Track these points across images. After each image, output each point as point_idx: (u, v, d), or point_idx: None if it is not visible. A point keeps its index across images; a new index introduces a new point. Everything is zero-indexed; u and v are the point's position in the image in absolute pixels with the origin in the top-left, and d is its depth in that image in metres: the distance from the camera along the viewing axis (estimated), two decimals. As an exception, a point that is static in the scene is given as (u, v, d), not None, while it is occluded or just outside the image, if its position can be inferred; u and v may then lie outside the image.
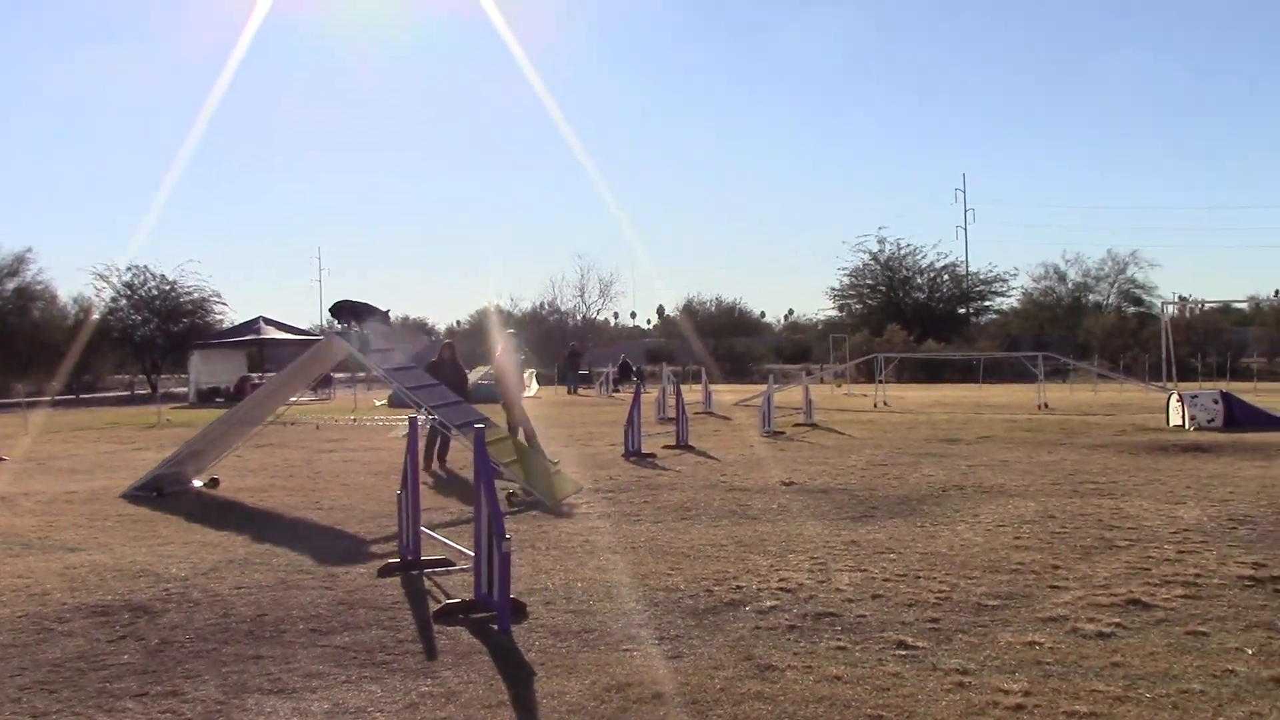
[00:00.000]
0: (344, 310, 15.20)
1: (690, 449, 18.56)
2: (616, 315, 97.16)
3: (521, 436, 16.21)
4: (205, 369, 46.10)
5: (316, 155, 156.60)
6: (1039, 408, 30.35)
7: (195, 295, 57.85)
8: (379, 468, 16.56)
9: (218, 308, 59.00)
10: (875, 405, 33.11)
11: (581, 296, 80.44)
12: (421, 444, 14.75)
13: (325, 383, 41.03)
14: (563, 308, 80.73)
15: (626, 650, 6.38)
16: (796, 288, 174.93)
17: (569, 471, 14.66)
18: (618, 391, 46.51)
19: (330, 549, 9.85)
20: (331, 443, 21.56)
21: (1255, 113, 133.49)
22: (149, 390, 52.78)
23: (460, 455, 16.58)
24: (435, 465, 16.36)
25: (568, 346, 57.61)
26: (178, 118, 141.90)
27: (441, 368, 17.01)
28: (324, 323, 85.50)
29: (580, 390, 48.82)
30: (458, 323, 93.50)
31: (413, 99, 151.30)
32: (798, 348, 77.86)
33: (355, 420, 28.70)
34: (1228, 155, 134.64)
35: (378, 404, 37.38)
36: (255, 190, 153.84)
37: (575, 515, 11.57)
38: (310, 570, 8.89)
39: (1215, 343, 60.93)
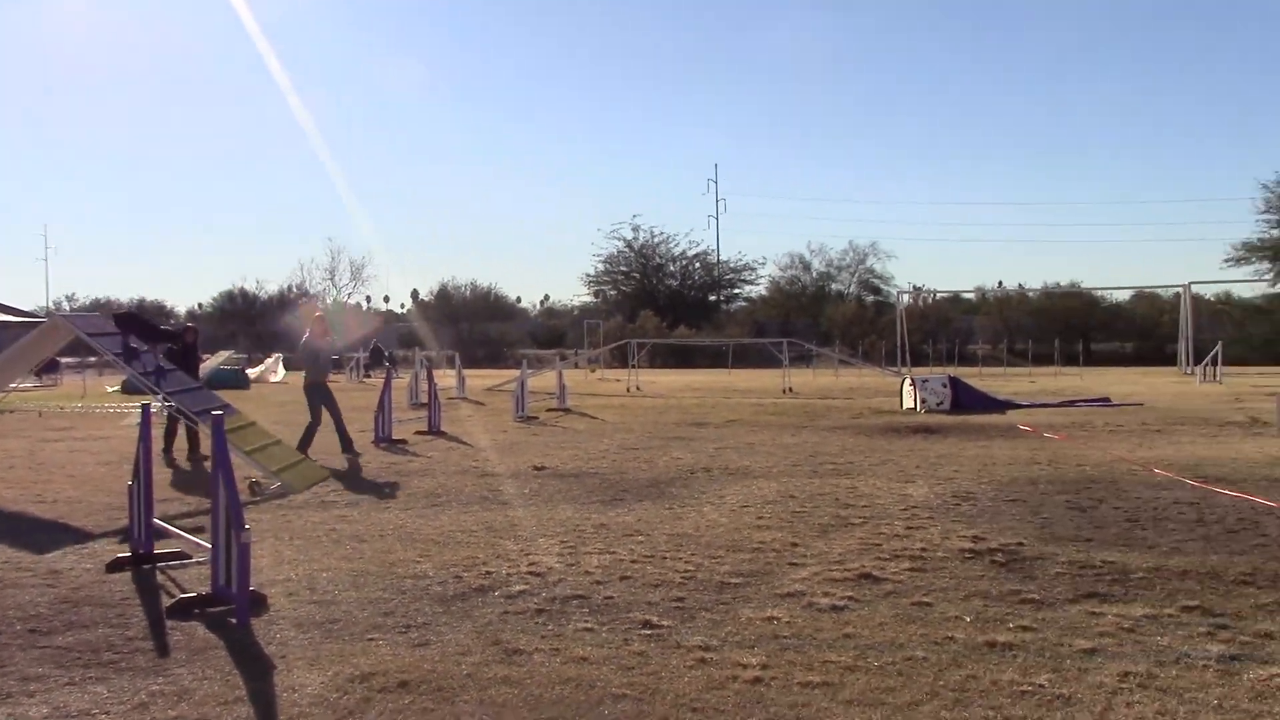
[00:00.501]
0: (129, 324, 14.23)
1: (443, 435, 18.40)
2: (369, 299, 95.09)
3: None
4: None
5: (37, 123, 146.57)
6: (784, 392, 31.52)
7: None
8: (110, 458, 15.68)
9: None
10: (628, 390, 33.62)
11: (332, 279, 78.53)
12: (158, 431, 14.08)
13: (51, 368, 38.52)
14: (312, 291, 78.59)
15: (371, 640, 6.26)
16: (552, 274, 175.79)
17: (316, 458, 14.27)
18: (369, 377, 45.58)
19: (53, 544, 9.25)
20: (57, 431, 20.27)
21: (985, 113, 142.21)
22: None
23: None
24: (182, 458, 15.53)
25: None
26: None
27: (182, 353, 16.20)
28: (50, 304, 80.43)
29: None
30: (200, 305, 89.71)
31: (140, 69, 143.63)
32: (553, 333, 78.27)
33: (84, 408, 27.08)
34: (959, 154, 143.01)
35: (110, 390, 35.38)
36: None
37: (322, 504, 11.26)
38: (30, 567, 8.32)
39: (946, 330, 64.82)
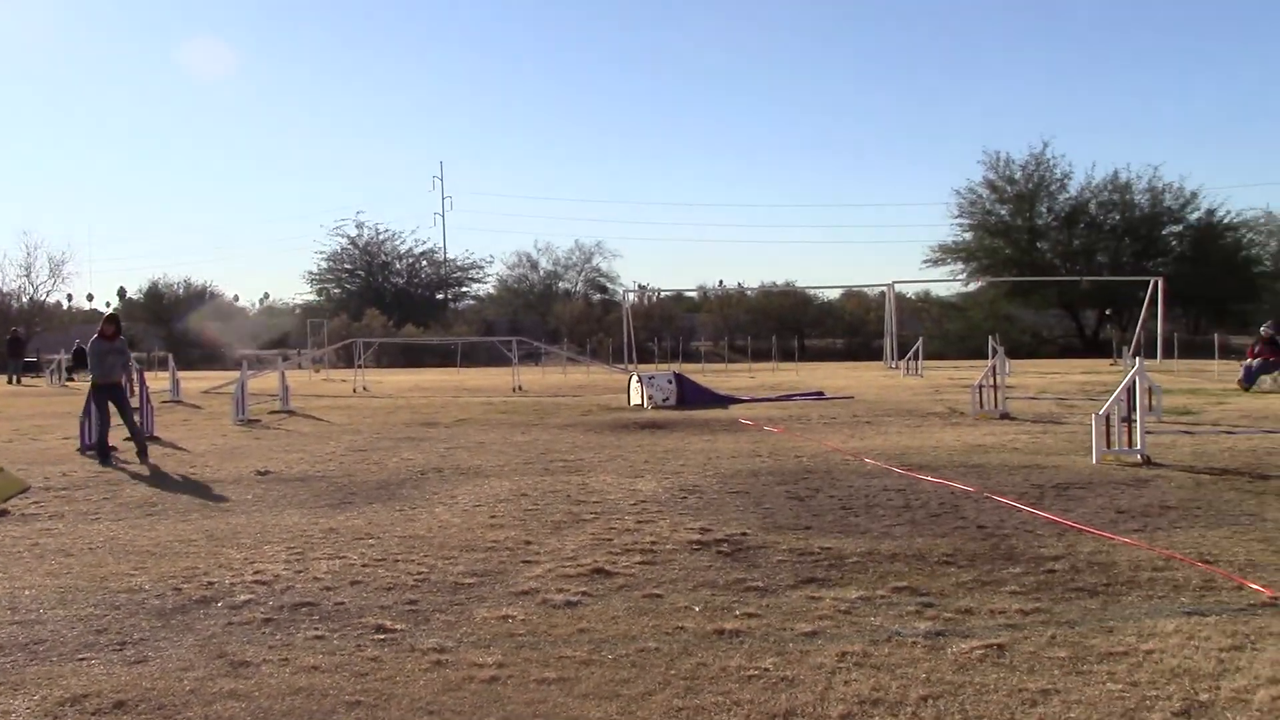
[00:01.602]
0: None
1: (156, 440, 17.48)
2: (70, 298, 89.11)
3: None
4: None
5: None
6: (514, 390, 31.58)
7: None
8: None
9: None
10: (355, 390, 32.90)
11: (28, 276, 73.30)
12: None
13: None
14: (5, 288, 73.11)
15: (83, 659, 5.89)
16: (273, 271, 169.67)
17: (13, 469, 13.29)
18: (72, 380, 42.81)
19: None
20: None
21: (706, 114, 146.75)
22: None
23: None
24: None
25: (9, 332, 52.18)
26: None
27: None
28: None
29: (25, 379, 44.45)
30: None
31: None
32: (274, 333, 75.57)
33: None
34: (682, 155, 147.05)
35: None
36: None
37: (22, 517, 10.50)
38: None
39: (670, 328, 66.46)
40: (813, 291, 78.82)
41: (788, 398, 26.44)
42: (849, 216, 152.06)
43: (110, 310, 15.97)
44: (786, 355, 56.71)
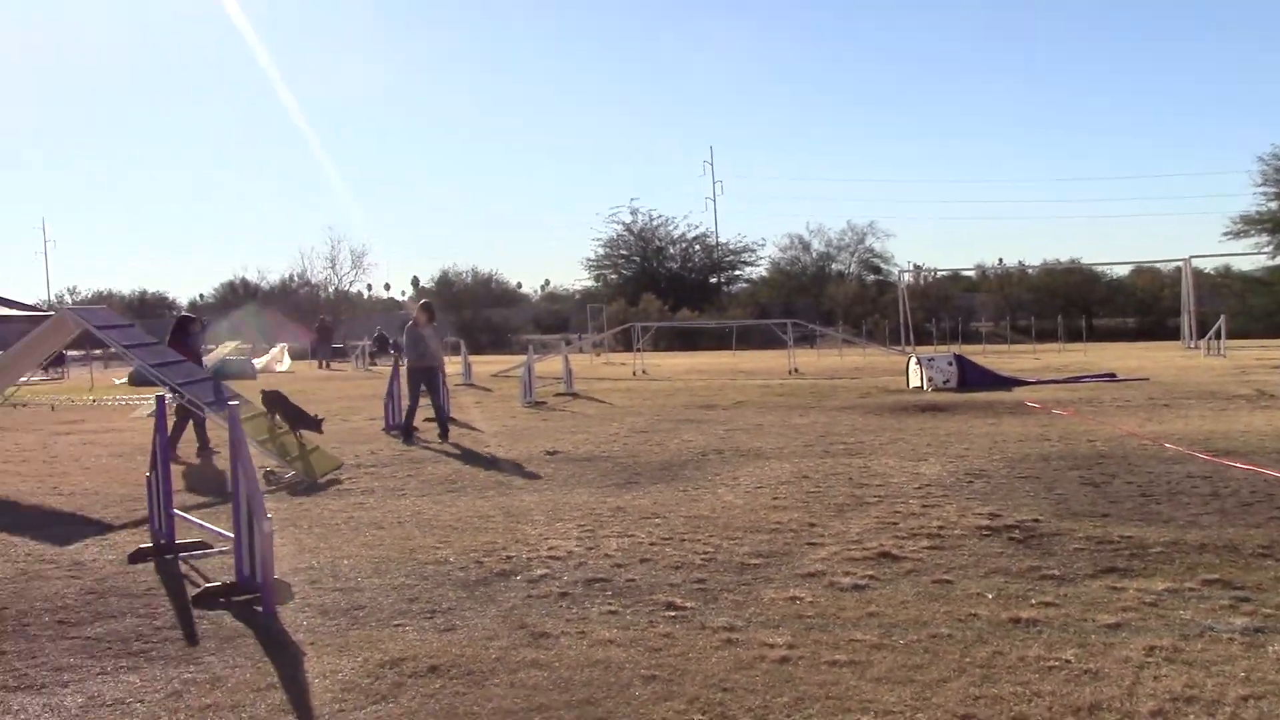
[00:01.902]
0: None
1: (453, 421, 18.40)
2: (370, 287, 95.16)
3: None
4: (-82, 348, 42.60)
5: (35, 116, 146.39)
6: (790, 372, 31.54)
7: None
8: (122, 449, 15.73)
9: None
10: (634, 373, 33.64)
11: (333, 268, 78.47)
12: (171, 423, 14.15)
13: (58, 361, 38.57)
14: (314, 279, 78.58)
15: (398, 625, 6.30)
16: (553, 258, 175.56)
17: (329, 447, 14.30)
18: (375, 365, 45.61)
19: (74, 536, 9.29)
20: (68, 424, 20.32)
21: (982, 93, 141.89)
22: None
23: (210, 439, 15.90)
24: (190, 452, 15.38)
25: (317, 320, 56.09)
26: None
27: (185, 341, 16.12)
28: (51, 297, 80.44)
29: (333, 364, 47.66)
30: (201, 296, 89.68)
31: (136, 60, 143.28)
32: (556, 318, 78.27)
33: (94, 400, 27.12)
34: (957, 131, 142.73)
35: (118, 382, 35.43)
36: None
37: (338, 492, 11.30)
38: (53, 559, 8.37)
39: (947, 308, 64.73)
40: (1101, 268, 75.02)
41: (1076, 379, 25.31)
42: (1139, 188, 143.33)
43: (424, 300, 17.04)
44: (1073, 335, 54.30)
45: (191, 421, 15.20)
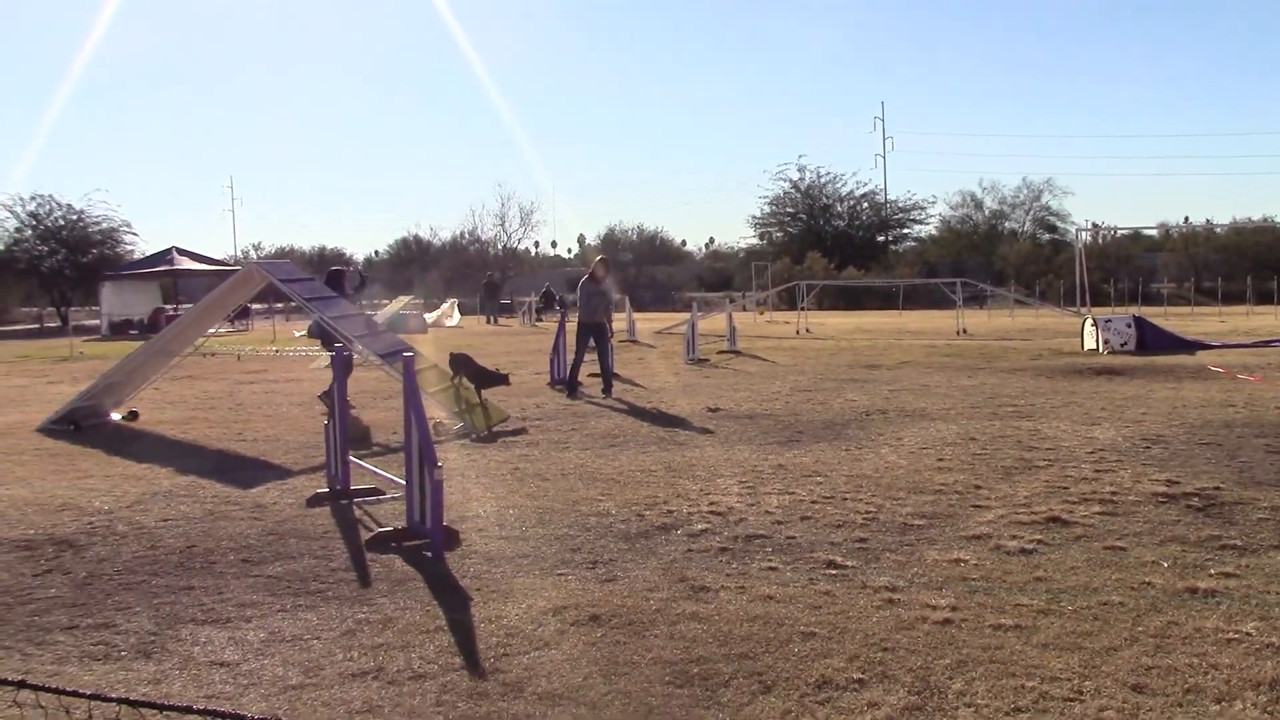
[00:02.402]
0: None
1: (616, 376, 18.57)
2: (538, 244, 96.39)
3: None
4: (117, 300, 45.04)
5: (224, 80, 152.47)
6: (958, 333, 30.87)
7: (104, 225, 56.46)
8: (301, 399, 16.38)
9: (128, 238, 57.71)
10: (797, 332, 33.41)
11: (502, 225, 79.82)
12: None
13: (243, 314, 40.36)
14: (483, 237, 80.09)
15: (561, 574, 6.43)
16: (718, 217, 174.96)
17: (496, 400, 14.62)
18: (541, 320, 46.36)
19: (256, 480, 9.75)
20: (252, 374, 21.26)
21: (1164, 43, 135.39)
22: (59, 323, 51.26)
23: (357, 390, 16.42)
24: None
25: (486, 276, 57.20)
26: (72, 37, 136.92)
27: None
28: (238, 252, 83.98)
29: (501, 320, 48.61)
30: (376, 253, 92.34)
31: (320, 22, 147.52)
32: (719, 276, 78.01)
33: (277, 351, 28.30)
34: (1139, 84, 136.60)
35: (297, 335, 36.87)
36: (161, 117, 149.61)
37: (504, 444, 11.56)
38: (238, 501, 8.80)
39: (1126, 268, 62.30)
40: (1296, 227, 70.99)
41: (1266, 344, 24.11)
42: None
43: (601, 255, 17.20)
44: (1263, 298, 51.65)
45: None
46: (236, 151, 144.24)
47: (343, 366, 9.19)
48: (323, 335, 15.27)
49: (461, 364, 14.08)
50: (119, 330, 41.92)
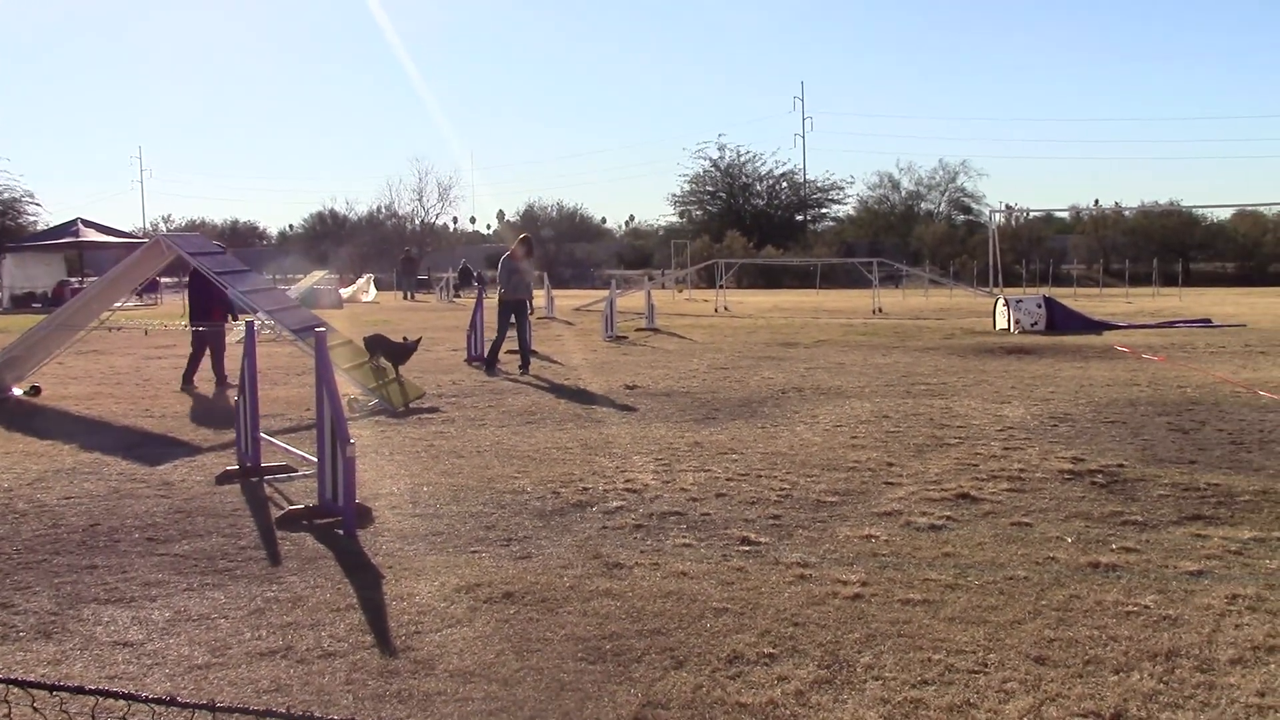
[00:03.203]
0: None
1: (534, 354, 18.50)
2: (456, 220, 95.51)
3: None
4: (19, 273, 43.75)
5: (134, 48, 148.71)
6: (873, 312, 31.23)
7: (5, 195, 54.95)
8: (212, 374, 16.04)
9: (31, 208, 56.21)
10: (716, 310, 33.56)
11: (420, 200, 78.93)
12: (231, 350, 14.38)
13: (151, 287, 39.45)
14: (400, 212, 79.16)
15: (475, 552, 6.39)
16: (637, 194, 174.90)
17: (411, 377, 14.48)
18: (458, 297, 46.02)
19: (164, 457, 9.56)
20: (161, 349, 20.83)
21: (1078, 26, 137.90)
22: (-41, 296, 49.79)
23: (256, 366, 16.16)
24: (208, 387, 14.95)
25: (402, 251, 56.57)
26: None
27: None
28: (147, 224, 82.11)
29: (418, 296, 48.15)
30: (290, 227, 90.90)
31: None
32: (639, 254, 78.05)
33: (186, 326, 27.67)
34: (1054, 67, 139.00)
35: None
36: (68, 85, 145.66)
37: (419, 420, 11.46)
38: (144, 479, 8.62)
39: (1038, 250, 63.42)
40: (1200, 211, 72.75)
41: (1170, 324, 24.74)
42: (1241, 129, 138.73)
43: (523, 234, 16.90)
44: (1168, 280, 52.87)
45: (210, 352, 15.15)
46: (146, 121, 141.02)
47: (255, 341, 9.02)
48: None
49: (376, 345, 13.88)
50: (21, 303, 40.76)
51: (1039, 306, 23.67)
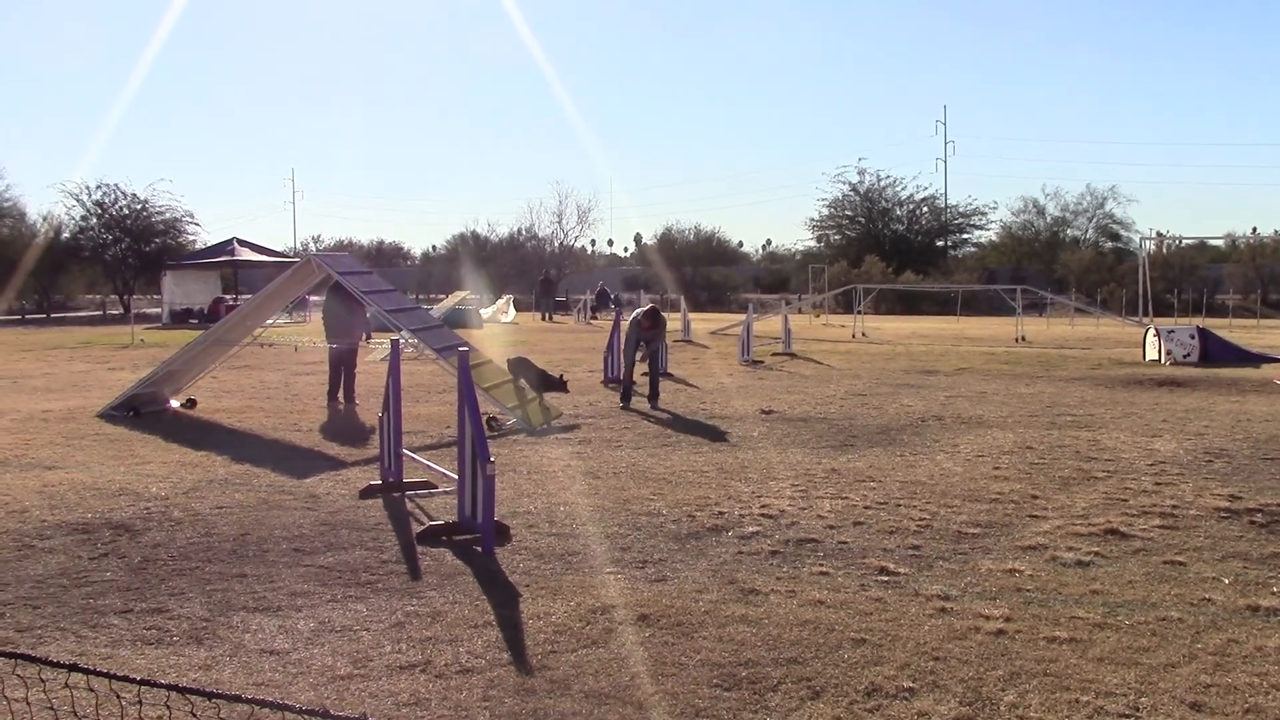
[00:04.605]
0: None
1: (670, 376, 18.55)
2: (594, 242, 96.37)
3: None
4: (179, 289, 45.59)
5: (287, 74, 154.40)
6: (1016, 341, 30.51)
7: (167, 215, 57.33)
8: (358, 390, 16.46)
9: (190, 228, 58.56)
10: (853, 336, 33.18)
11: (559, 223, 79.92)
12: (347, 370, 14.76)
13: (301, 305, 40.73)
14: (540, 234, 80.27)
15: (611, 573, 6.41)
16: (775, 218, 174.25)
17: (549, 398, 14.63)
18: (595, 319, 46.40)
19: (311, 470, 9.83)
20: (309, 365, 21.41)
21: (1236, 53, 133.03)
22: (121, 310, 52.11)
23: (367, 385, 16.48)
24: (340, 397, 15.38)
25: (542, 273, 57.32)
26: (143, 29, 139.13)
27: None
28: (297, 244, 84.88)
29: (556, 317, 48.70)
30: (433, 248, 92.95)
31: (382, 15, 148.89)
32: (776, 278, 77.71)
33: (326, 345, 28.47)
34: (1208, 93, 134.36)
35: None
36: (225, 110, 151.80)
37: (556, 440, 11.57)
38: (291, 491, 8.87)
39: (1191, 279, 61.21)
40: (1367, 239, 69.38)
41: (1334, 358, 23.60)
42: None
43: (650, 305, 16.90)
44: (1332, 311, 50.62)
45: (344, 371, 15.41)
46: (298, 145, 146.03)
47: (399, 358, 9.23)
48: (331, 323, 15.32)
49: (520, 367, 14.00)
50: (179, 319, 42.45)
51: (1192, 337, 22.82)
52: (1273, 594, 5.92)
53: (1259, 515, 7.80)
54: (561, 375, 14.54)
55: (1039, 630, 5.33)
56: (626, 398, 15.49)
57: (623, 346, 16.27)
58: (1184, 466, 9.83)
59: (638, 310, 16.34)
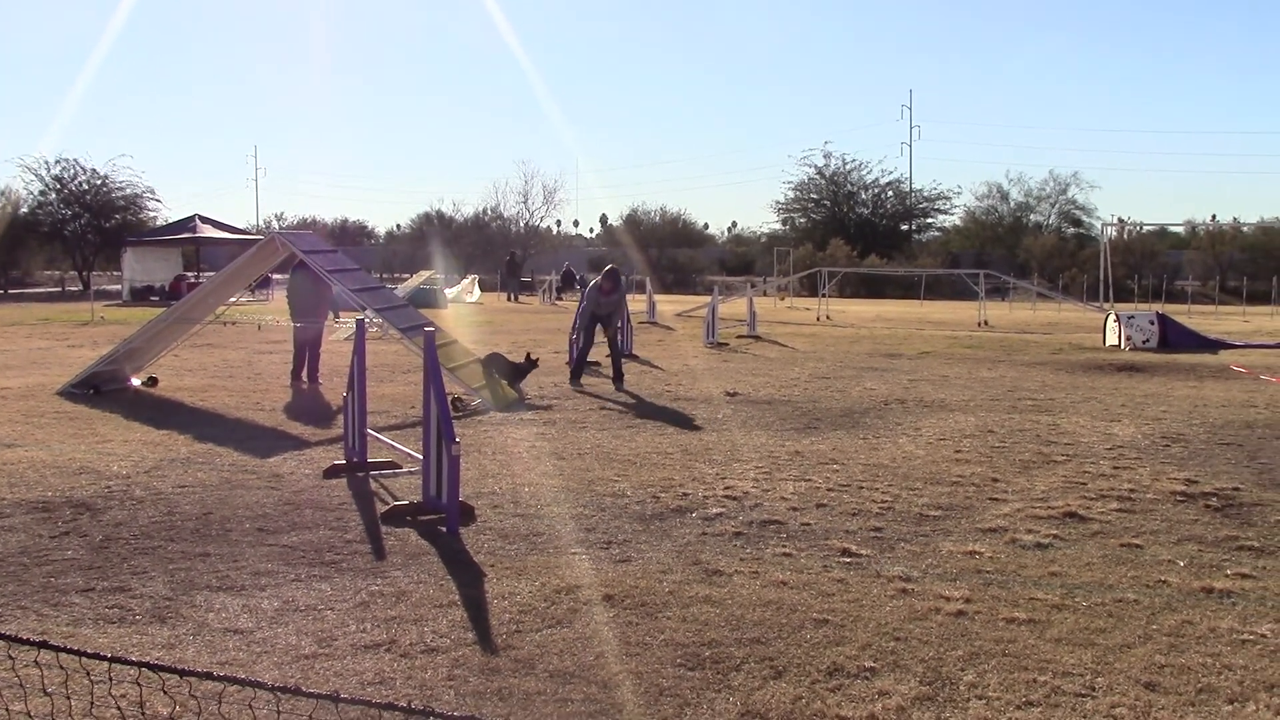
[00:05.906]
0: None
1: (634, 358, 18.59)
2: (559, 223, 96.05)
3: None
4: (139, 267, 45.09)
5: (250, 50, 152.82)
6: (979, 325, 30.74)
7: (128, 191, 56.51)
8: (321, 369, 16.38)
9: (151, 204, 57.82)
10: (818, 319, 33.31)
11: (525, 203, 79.61)
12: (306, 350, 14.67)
13: (264, 284, 40.41)
14: (505, 214, 79.95)
15: (575, 554, 6.44)
16: (741, 201, 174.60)
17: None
18: (560, 299, 46.34)
19: (274, 449, 9.79)
20: (272, 344, 21.28)
21: (1200, 41, 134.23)
22: (81, 287, 51.45)
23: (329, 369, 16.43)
24: (303, 377, 15.15)
25: (507, 253, 57.12)
26: (105, 3, 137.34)
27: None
28: (260, 222, 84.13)
29: (521, 298, 48.59)
30: (398, 226, 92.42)
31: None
32: (741, 260, 77.85)
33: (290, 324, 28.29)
34: (1171, 81, 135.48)
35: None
36: (188, 86, 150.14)
37: (521, 421, 11.57)
38: (255, 470, 8.84)
39: (1151, 265, 61.81)
40: (1325, 227, 70.22)
41: (1289, 345, 23.92)
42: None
43: (610, 266, 16.74)
44: (1288, 299, 51.22)
45: (309, 350, 15.25)
46: (261, 122, 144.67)
47: (364, 337, 9.20)
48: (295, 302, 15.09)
49: (494, 364, 13.77)
50: (140, 296, 42.02)
51: (1151, 323, 23.08)
52: (1226, 576, 6.02)
53: (1214, 499, 7.91)
54: (531, 355, 14.42)
55: (998, 611, 5.41)
56: (577, 376, 15.19)
57: (578, 313, 15.84)
58: (1142, 451, 9.95)
59: (595, 277, 15.95)
